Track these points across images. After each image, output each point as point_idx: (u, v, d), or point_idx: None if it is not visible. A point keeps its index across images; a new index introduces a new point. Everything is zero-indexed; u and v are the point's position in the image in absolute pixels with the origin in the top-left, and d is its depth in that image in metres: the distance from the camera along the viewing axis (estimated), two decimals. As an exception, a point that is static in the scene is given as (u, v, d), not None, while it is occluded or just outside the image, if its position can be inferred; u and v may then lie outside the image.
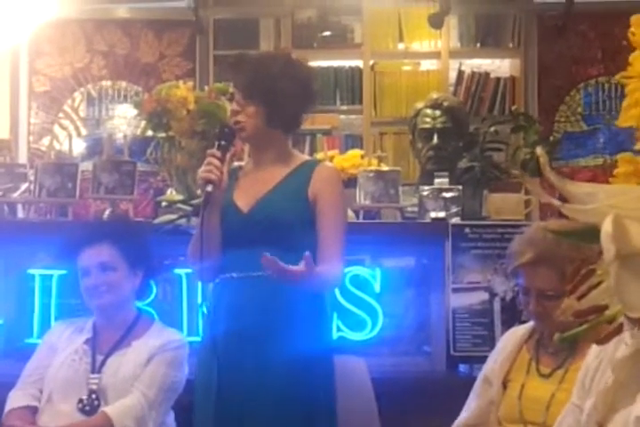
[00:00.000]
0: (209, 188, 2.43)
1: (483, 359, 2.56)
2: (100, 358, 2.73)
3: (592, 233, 0.70)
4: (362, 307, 3.27)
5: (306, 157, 2.81)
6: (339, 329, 3.23)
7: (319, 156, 3.88)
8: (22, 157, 5.11)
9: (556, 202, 0.72)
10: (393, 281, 3.36)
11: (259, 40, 5.63)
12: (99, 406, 2.65)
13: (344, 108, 5.58)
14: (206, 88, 3.50)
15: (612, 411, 0.74)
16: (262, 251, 2.43)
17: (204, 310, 2.55)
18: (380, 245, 3.39)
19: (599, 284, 0.74)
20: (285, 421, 2.39)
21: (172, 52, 5.61)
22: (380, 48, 5.58)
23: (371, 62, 5.56)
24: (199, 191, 2.83)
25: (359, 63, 5.57)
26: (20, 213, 3.64)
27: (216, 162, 2.43)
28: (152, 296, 3.14)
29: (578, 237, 0.75)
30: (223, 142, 2.49)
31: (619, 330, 0.70)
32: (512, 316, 3.19)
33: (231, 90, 2.71)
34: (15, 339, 3.26)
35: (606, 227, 0.68)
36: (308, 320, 2.45)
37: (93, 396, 2.67)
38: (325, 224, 2.48)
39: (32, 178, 3.44)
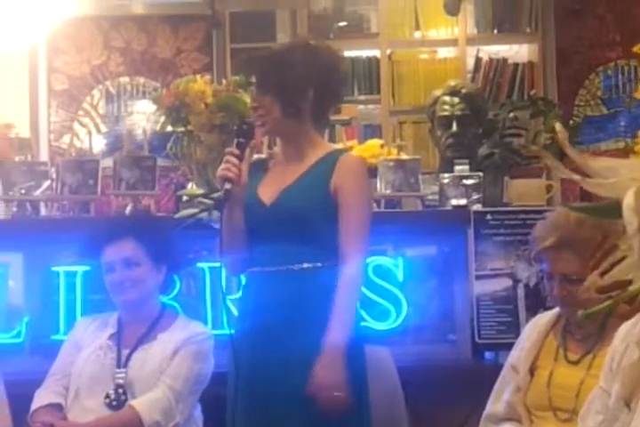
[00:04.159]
0: (227, 186, 2.42)
1: (508, 346, 2.55)
2: (125, 352, 2.74)
3: (614, 208, 0.69)
4: (385, 297, 3.25)
5: (332, 146, 2.78)
6: (363, 319, 3.22)
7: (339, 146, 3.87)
8: (43, 155, 5.12)
9: (576, 177, 0.71)
10: (416, 270, 3.34)
11: (275, 32, 5.62)
12: (126, 400, 2.66)
13: (362, 98, 5.56)
14: (224, 81, 3.49)
15: (639, 387, 0.74)
16: (285, 244, 2.44)
17: (229, 304, 2.55)
18: (402, 234, 3.38)
19: (622, 259, 0.73)
20: (318, 413, 2.37)
21: (188, 46, 5.61)
22: (396, 37, 5.55)
23: (388, 51, 5.53)
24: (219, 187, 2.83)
25: (376, 53, 5.54)
26: (43, 211, 3.65)
27: (234, 160, 2.43)
28: (175, 290, 3.14)
29: (600, 213, 0.74)
30: (241, 140, 2.48)
31: (642, 305, 0.70)
32: (536, 302, 3.17)
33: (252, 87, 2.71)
34: (41, 335, 3.27)
35: (628, 200, 0.67)
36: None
37: (120, 391, 2.68)
38: (346, 216, 2.46)
39: (54, 176, 3.45)
